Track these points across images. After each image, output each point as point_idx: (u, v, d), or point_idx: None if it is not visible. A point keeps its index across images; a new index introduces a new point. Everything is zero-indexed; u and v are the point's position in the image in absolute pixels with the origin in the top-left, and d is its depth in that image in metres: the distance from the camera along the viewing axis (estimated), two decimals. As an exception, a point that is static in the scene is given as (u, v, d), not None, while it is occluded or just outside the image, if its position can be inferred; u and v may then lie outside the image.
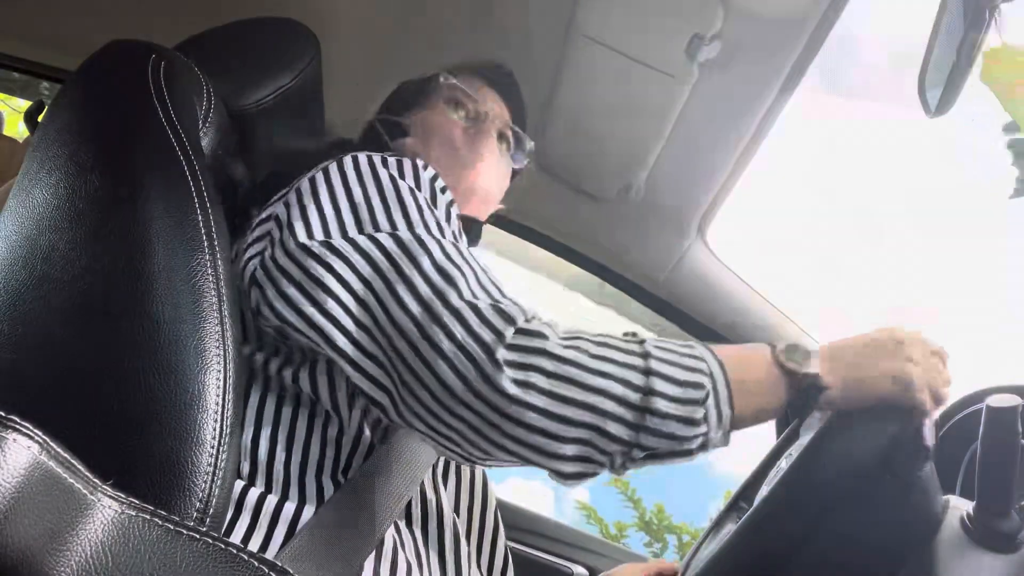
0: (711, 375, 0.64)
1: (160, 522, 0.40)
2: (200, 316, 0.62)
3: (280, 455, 0.70)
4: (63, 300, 0.61)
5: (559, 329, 0.65)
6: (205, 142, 0.81)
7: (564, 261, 1.53)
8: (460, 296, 0.64)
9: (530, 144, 1.07)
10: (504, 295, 0.67)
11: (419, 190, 0.75)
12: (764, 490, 0.83)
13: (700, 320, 1.49)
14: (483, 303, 0.64)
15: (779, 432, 1.20)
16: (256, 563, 0.41)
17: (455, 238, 0.73)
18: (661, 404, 0.62)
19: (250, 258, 0.73)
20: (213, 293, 0.64)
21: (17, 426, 0.36)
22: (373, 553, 0.67)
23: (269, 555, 0.64)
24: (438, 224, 0.72)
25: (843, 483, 0.67)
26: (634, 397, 0.62)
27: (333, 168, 0.75)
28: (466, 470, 0.83)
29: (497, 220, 1.17)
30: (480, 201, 1.00)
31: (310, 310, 0.67)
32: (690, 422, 0.63)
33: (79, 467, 0.39)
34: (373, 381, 0.66)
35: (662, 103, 1.20)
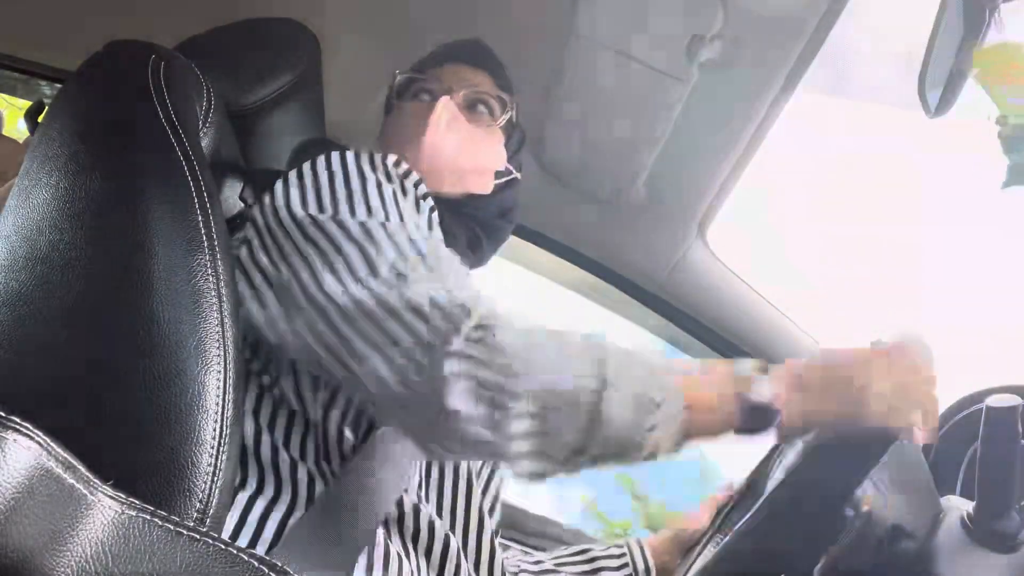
0: (665, 388, 0.64)
1: (160, 522, 0.40)
2: (200, 316, 0.62)
3: (266, 452, 0.71)
4: (63, 300, 0.61)
5: (517, 323, 0.65)
6: (205, 142, 0.81)
7: (564, 261, 1.53)
8: (419, 284, 0.65)
9: (510, 105, 1.02)
10: (462, 288, 0.67)
11: (389, 181, 0.78)
12: (769, 485, 0.83)
13: (700, 320, 1.49)
14: (440, 295, 0.64)
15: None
16: (256, 563, 0.41)
17: (426, 228, 0.75)
18: (613, 410, 0.62)
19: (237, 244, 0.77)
20: (213, 293, 0.64)
21: (17, 426, 0.36)
22: (365, 553, 0.68)
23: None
24: (401, 212, 0.74)
25: (841, 482, 0.67)
26: (588, 399, 0.62)
27: (320, 160, 0.79)
28: (448, 468, 0.83)
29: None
30: (452, 174, 0.94)
31: (276, 275, 0.71)
32: (638, 428, 0.63)
33: (79, 467, 0.39)
34: (319, 366, 0.68)
35: (662, 103, 1.20)
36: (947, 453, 0.86)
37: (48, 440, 0.37)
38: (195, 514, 0.56)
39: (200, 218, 0.67)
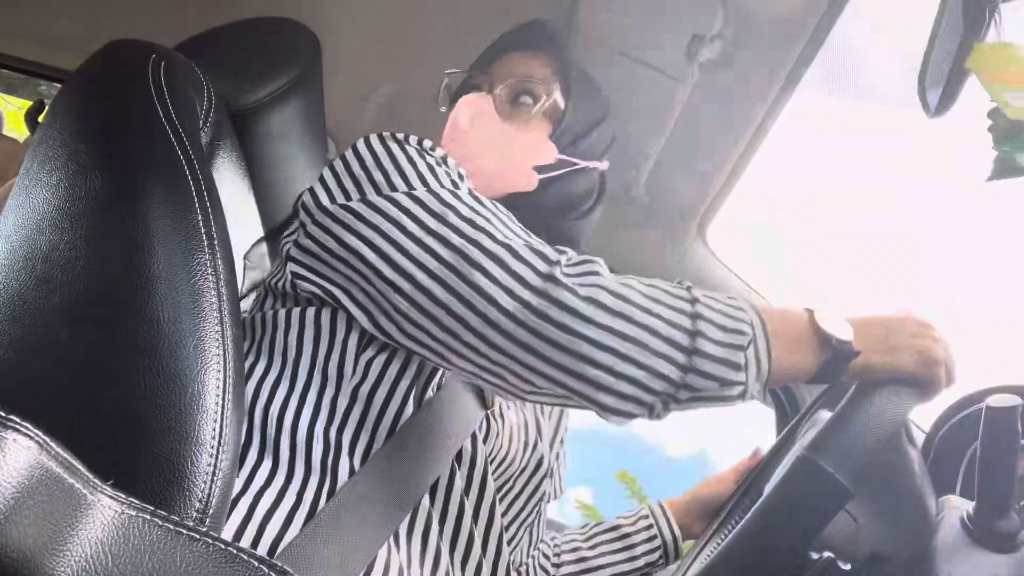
0: (751, 324, 0.66)
1: (160, 522, 0.40)
2: (200, 316, 0.62)
3: (301, 435, 0.72)
4: (63, 300, 0.61)
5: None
6: (205, 142, 0.81)
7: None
8: (494, 240, 0.66)
9: (552, 89, 0.95)
10: (535, 239, 0.70)
11: (423, 155, 0.78)
12: (767, 488, 0.83)
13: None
14: (518, 243, 0.67)
15: (778, 431, 1.20)
16: (256, 563, 0.41)
17: (472, 195, 0.74)
18: (708, 346, 0.64)
19: (286, 242, 0.78)
20: (213, 293, 0.64)
21: (17, 426, 0.36)
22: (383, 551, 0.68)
23: (290, 536, 0.65)
24: (452, 182, 0.75)
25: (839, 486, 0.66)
26: (683, 338, 0.64)
27: (348, 151, 0.80)
28: (480, 456, 0.82)
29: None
30: (482, 178, 0.88)
31: (351, 274, 0.71)
32: (734, 366, 0.64)
33: (79, 467, 0.39)
34: (414, 340, 0.69)
35: (662, 103, 1.20)
36: (947, 453, 0.86)
37: (48, 440, 0.37)
38: (195, 514, 0.56)
39: (200, 218, 0.67)
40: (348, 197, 0.74)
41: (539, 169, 0.93)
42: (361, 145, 0.79)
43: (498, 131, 0.92)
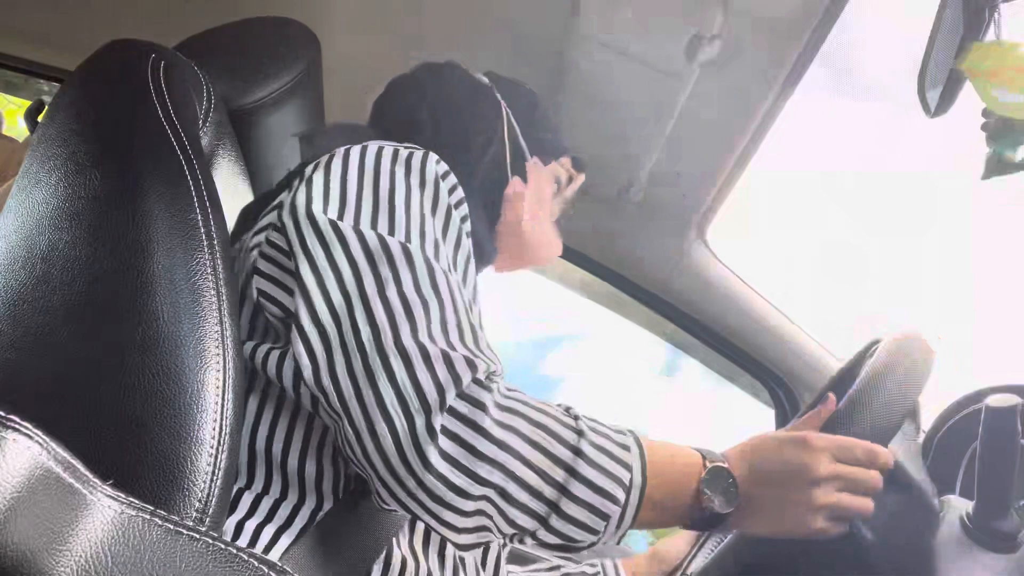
0: (630, 489, 0.64)
1: (160, 522, 0.40)
2: (200, 316, 0.62)
3: (292, 458, 0.70)
4: (63, 300, 0.61)
5: (502, 391, 0.63)
6: (205, 142, 0.81)
7: (565, 261, 1.53)
8: (413, 335, 0.62)
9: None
10: (463, 341, 0.65)
11: (422, 188, 0.72)
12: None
13: (700, 320, 1.49)
14: (433, 349, 0.62)
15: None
16: (256, 563, 0.41)
17: (451, 258, 0.71)
18: (571, 509, 0.62)
19: (254, 246, 0.73)
20: (213, 293, 0.64)
21: (17, 426, 0.36)
22: (382, 558, 0.68)
23: (276, 555, 0.64)
24: (433, 238, 0.69)
25: None
26: (549, 492, 0.62)
27: (354, 153, 0.74)
28: None
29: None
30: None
31: (288, 296, 0.68)
32: (590, 531, 0.63)
33: (79, 467, 0.39)
34: (315, 383, 0.64)
35: (662, 103, 1.20)
36: (947, 453, 0.86)
37: (48, 440, 0.37)
38: (194, 513, 0.56)
39: (200, 218, 0.67)
40: (340, 213, 0.69)
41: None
42: (361, 156, 0.73)
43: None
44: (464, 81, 0.96)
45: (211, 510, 0.57)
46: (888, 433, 0.68)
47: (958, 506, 0.70)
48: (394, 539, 0.71)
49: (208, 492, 0.57)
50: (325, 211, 0.68)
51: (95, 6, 1.34)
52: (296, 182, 0.74)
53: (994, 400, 0.66)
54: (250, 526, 0.66)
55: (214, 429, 0.59)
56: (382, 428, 0.60)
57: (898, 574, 0.69)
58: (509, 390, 0.65)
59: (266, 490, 0.69)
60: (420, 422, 0.60)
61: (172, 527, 0.40)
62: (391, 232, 0.67)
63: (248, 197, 0.94)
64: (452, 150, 0.82)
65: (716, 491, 0.66)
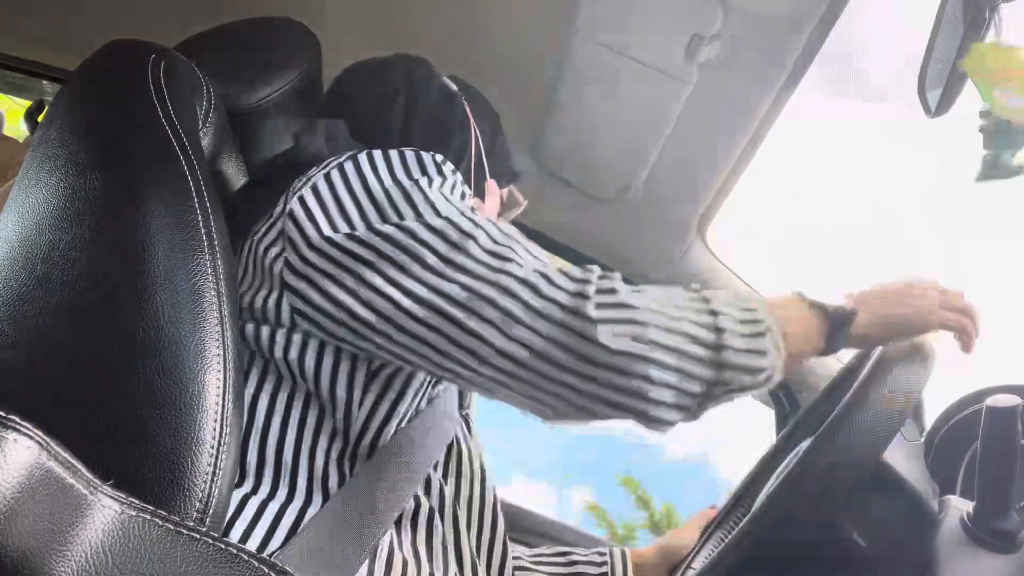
0: (764, 312, 0.69)
1: (160, 522, 0.40)
2: (200, 316, 0.62)
3: (287, 453, 0.70)
4: (63, 300, 0.61)
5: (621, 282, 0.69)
6: (205, 142, 0.81)
7: (564, 261, 1.53)
8: (523, 267, 0.66)
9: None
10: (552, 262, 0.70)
11: (433, 177, 0.74)
12: (763, 495, 0.83)
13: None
14: (547, 269, 0.67)
15: (778, 431, 1.21)
16: (256, 563, 0.41)
17: (488, 219, 0.73)
18: (733, 340, 0.66)
19: (274, 256, 0.72)
20: (213, 293, 0.64)
21: (17, 426, 0.36)
22: (368, 556, 0.67)
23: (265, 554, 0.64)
24: (460, 209, 0.71)
25: (839, 489, 0.67)
26: (709, 337, 0.66)
27: (349, 165, 0.74)
28: (466, 463, 0.83)
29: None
30: None
31: (364, 312, 0.67)
32: (759, 353, 0.67)
33: (79, 467, 0.39)
34: (446, 371, 0.67)
35: (662, 103, 1.20)
36: (947, 453, 0.86)
37: (48, 440, 0.37)
38: (195, 514, 0.56)
39: (200, 218, 0.67)
40: (351, 224, 0.69)
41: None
42: (365, 164, 0.74)
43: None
44: (441, 89, 0.95)
45: (212, 510, 0.57)
46: (888, 432, 0.68)
47: (958, 506, 0.70)
48: (394, 541, 0.70)
49: (209, 492, 0.57)
50: (378, 223, 0.69)
51: (95, 6, 1.34)
52: (308, 195, 0.73)
53: (994, 400, 0.66)
54: (239, 526, 0.66)
55: (214, 429, 0.59)
56: (537, 341, 0.64)
57: (897, 574, 0.69)
58: None
59: (255, 490, 0.69)
60: (569, 300, 0.65)
61: (173, 527, 0.40)
62: (437, 216, 0.69)
63: (248, 197, 0.94)
64: None
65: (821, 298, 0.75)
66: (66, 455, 0.38)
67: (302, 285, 0.69)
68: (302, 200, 0.72)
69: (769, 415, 1.51)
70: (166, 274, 0.62)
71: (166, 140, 0.70)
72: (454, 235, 0.67)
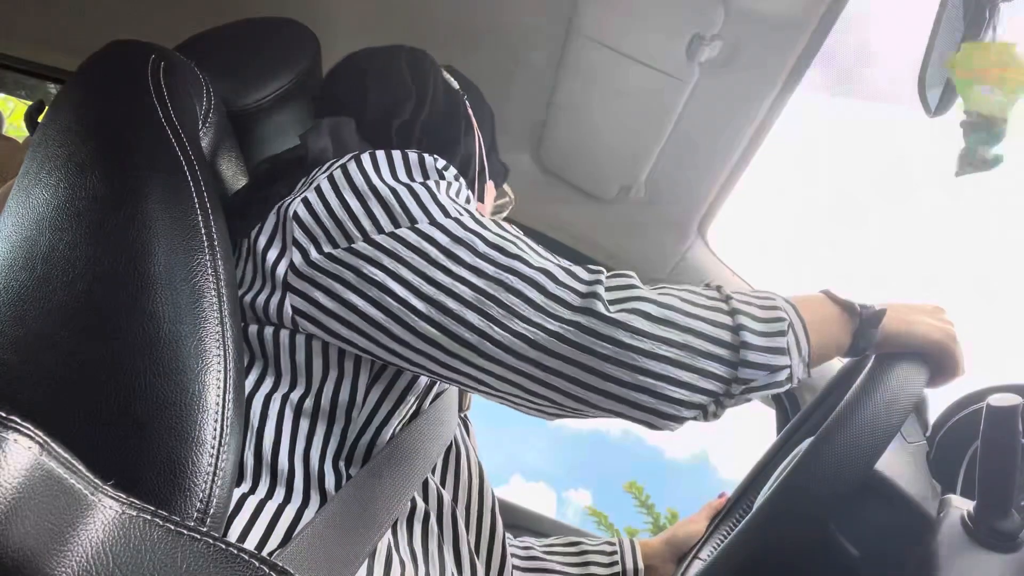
0: (785, 310, 0.69)
1: (161, 522, 0.40)
2: (200, 316, 0.62)
3: (284, 453, 0.70)
4: (63, 300, 0.61)
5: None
6: (205, 142, 0.81)
7: (565, 262, 1.53)
8: (530, 265, 0.66)
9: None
10: (563, 260, 0.69)
11: (438, 180, 0.74)
12: (762, 495, 0.83)
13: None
14: (553, 266, 0.66)
15: (779, 431, 1.20)
16: (257, 563, 0.41)
17: (492, 219, 0.73)
18: (752, 338, 0.65)
19: (276, 257, 0.71)
20: (213, 293, 0.64)
21: (17, 426, 0.36)
22: (366, 557, 0.67)
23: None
24: (467, 210, 0.72)
25: (839, 489, 0.67)
26: (727, 335, 0.65)
27: (352, 165, 0.73)
28: (464, 465, 0.83)
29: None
30: None
31: (373, 311, 0.66)
32: (778, 351, 0.66)
33: (80, 467, 0.39)
34: (450, 369, 0.67)
35: (662, 103, 1.20)
36: (948, 452, 0.86)
37: (48, 440, 0.37)
38: (195, 514, 0.56)
39: (200, 218, 0.67)
40: (359, 225, 0.69)
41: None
42: (368, 165, 0.73)
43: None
44: (448, 93, 0.95)
45: (212, 510, 0.57)
46: (888, 432, 0.68)
47: (959, 506, 0.70)
48: (393, 542, 0.70)
49: (209, 492, 0.57)
50: (386, 228, 0.69)
51: (95, 6, 1.34)
52: (314, 198, 0.72)
53: (994, 400, 0.66)
54: (237, 525, 0.66)
55: (215, 429, 0.59)
56: (551, 323, 0.63)
57: (897, 574, 0.69)
58: None
59: (252, 489, 0.69)
60: (577, 298, 0.64)
61: (173, 527, 0.40)
62: (446, 216, 0.69)
63: (248, 197, 0.94)
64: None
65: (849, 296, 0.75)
66: (66, 455, 0.38)
67: (307, 287, 0.69)
68: (306, 202, 0.72)
69: (769, 415, 1.51)
70: (166, 274, 0.62)
71: (166, 140, 0.70)
72: (462, 235, 0.67)
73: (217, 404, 0.60)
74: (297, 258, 0.70)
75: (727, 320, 0.66)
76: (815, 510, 0.67)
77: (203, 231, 0.67)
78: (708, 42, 1.08)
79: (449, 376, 0.68)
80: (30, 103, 0.98)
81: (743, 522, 0.74)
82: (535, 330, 0.63)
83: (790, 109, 1.17)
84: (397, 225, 0.68)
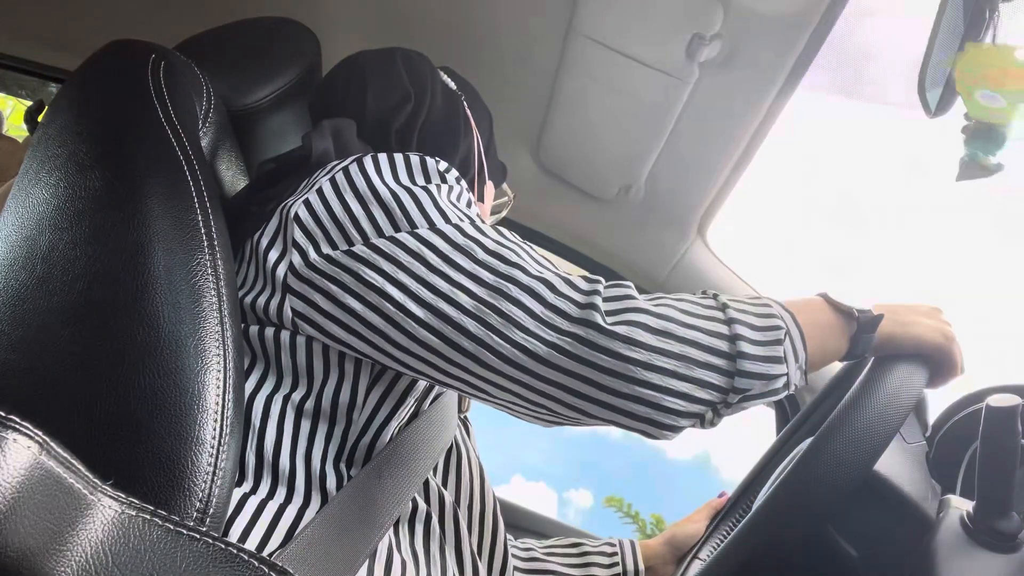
0: (782, 317, 0.69)
1: (160, 522, 0.40)
2: (200, 316, 0.62)
3: (285, 454, 0.70)
4: (63, 300, 0.61)
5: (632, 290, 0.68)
6: (205, 142, 0.81)
7: (564, 261, 1.53)
8: (528, 274, 0.66)
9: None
10: (562, 270, 0.69)
11: (439, 183, 0.74)
12: (762, 495, 0.83)
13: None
14: (552, 276, 0.66)
15: (779, 432, 1.20)
16: (256, 563, 0.41)
17: (492, 226, 0.73)
18: (748, 347, 0.65)
19: (277, 259, 0.71)
20: (213, 293, 0.64)
21: (17, 426, 0.36)
22: (367, 558, 0.67)
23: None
24: (468, 216, 0.71)
25: (839, 490, 0.67)
26: (723, 345, 0.65)
27: (354, 168, 0.73)
28: (465, 466, 0.83)
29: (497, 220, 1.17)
30: None
31: (371, 315, 0.66)
32: (775, 360, 0.66)
33: (79, 467, 0.39)
34: (450, 376, 0.67)
35: (662, 103, 1.20)
36: (947, 453, 0.86)
37: (48, 440, 0.37)
38: (195, 513, 0.56)
39: (200, 218, 0.67)
40: (360, 228, 0.68)
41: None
42: (371, 168, 0.73)
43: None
44: (445, 90, 0.94)
45: (212, 510, 0.57)
46: (887, 433, 0.68)
47: (959, 506, 0.70)
48: (394, 542, 0.70)
49: (209, 492, 0.57)
50: (386, 232, 0.68)
51: (95, 6, 1.34)
52: (315, 200, 0.72)
53: (994, 400, 0.66)
54: (238, 525, 0.66)
55: (215, 429, 0.59)
56: (540, 347, 0.63)
57: (897, 573, 0.69)
58: None
59: (254, 489, 0.69)
60: (575, 309, 0.64)
61: (172, 527, 0.40)
62: (446, 221, 0.69)
63: (248, 197, 0.94)
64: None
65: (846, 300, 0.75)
66: (66, 455, 0.38)
67: (306, 289, 0.69)
68: (307, 203, 0.72)
69: (769, 415, 1.51)
70: (166, 274, 0.62)
71: (166, 140, 0.70)
72: (462, 241, 0.67)
73: (217, 404, 0.60)
74: (296, 259, 0.69)
75: (723, 329, 0.66)
76: (815, 510, 0.67)
77: (203, 231, 0.67)
78: (708, 42, 1.08)
79: (447, 382, 0.68)
80: (30, 103, 0.98)
81: (743, 522, 0.74)
82: (534, 341, 0.63)
83: (790, 109, 1.17)
84: (397, 229, 0.68)
